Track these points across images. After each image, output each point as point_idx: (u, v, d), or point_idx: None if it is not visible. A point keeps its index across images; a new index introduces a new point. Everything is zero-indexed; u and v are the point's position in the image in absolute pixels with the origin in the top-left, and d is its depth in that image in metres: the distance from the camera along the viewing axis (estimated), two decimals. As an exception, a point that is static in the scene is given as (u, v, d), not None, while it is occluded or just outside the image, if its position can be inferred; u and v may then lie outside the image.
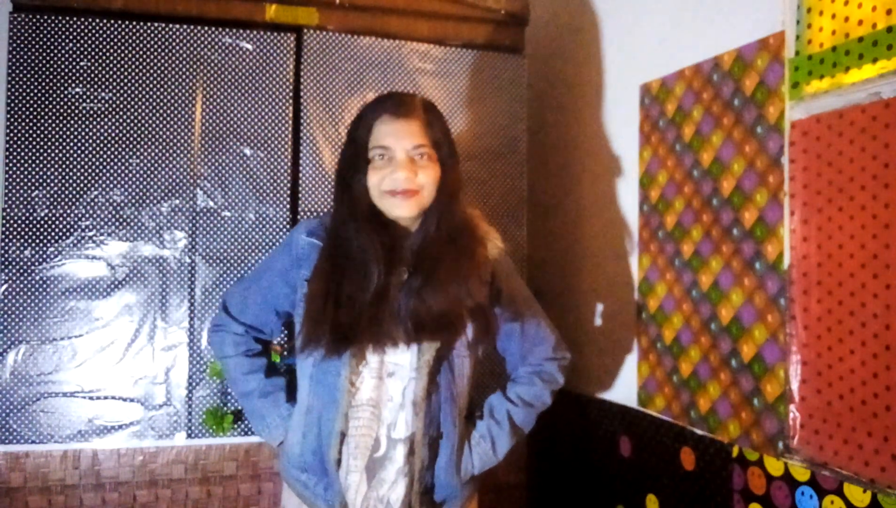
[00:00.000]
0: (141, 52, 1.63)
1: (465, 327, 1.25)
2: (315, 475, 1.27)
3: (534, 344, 1.39)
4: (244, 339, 1.37)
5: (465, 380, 1.30)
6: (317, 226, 1.30)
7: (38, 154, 1.57)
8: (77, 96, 1.59)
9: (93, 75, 1.60)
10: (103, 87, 1.61)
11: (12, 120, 1.56)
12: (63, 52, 1.59)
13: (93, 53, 1.60)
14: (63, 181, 1.58)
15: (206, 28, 1.66)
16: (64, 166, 1.58)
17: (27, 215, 1.56)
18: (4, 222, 1.55)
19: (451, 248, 1.23)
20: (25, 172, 1.56)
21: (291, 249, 1.31)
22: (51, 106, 1.58)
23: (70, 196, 1.58)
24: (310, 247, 1.28)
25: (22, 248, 1.55)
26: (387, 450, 1.24)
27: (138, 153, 1.61)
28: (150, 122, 1.63)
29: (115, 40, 1.62)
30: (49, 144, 1.57)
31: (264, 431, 1.35)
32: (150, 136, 1.62)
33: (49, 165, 1.57)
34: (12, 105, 1.56)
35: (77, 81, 1.59)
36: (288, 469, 1.33)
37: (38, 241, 1.56)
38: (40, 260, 1.56)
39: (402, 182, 1.18)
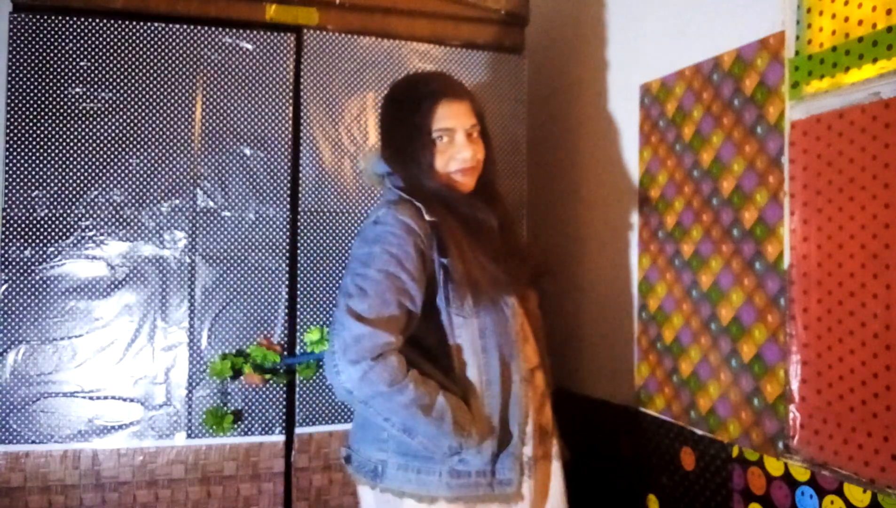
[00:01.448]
0: (141, 52, 1.63)
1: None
2: (486, 458, 1.23)
3: None
4: (402, 354, 1.19)
5: None
6: (416, 209, 1.25)
7: (38, 154, 1.57)
8: (77, 96, 1.59)
9: (93, 75, 1.60)
10: (103, 87, 1.60)
11: (12, 120, 1.56)
12: (63, 52, 1.59)
13: (93, 53, 1.60)
14: (63, 181, 1.58)
15: (206, 28, 1.66)
16: (64, 166, 1.58)
17: (27, 215, 1.56)
18: (4, 222, 1.55)
19: (508, 211, 1.42)
20: (25, 172, 1.56)
21: (417, 233, 1.22)
22: (51, 106, 1.58)
23: (70, 196, 1.58)
24: (432, 227, 1.25)
25: (22, 248, 1.55)
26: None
27: (138, 153, 1.61)
28: (150, 122, 1.63)
29: (115, 40, 1.62)
30: (49, 144, 1.57)
31: (469, 439, 1.19)
32: (150, 136, 1.62)
33: (49, 165, 1.57)
34: (12, 105, 1.56)
35: (77, 81, 1.59)
36: (451, 482, 1.21)
37: (38, 241, 1.56)
38: (40, 260, 1.56)
39: (469, 161, 1.28)
